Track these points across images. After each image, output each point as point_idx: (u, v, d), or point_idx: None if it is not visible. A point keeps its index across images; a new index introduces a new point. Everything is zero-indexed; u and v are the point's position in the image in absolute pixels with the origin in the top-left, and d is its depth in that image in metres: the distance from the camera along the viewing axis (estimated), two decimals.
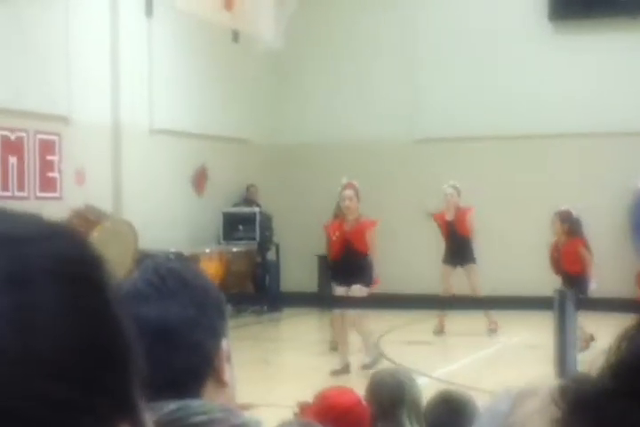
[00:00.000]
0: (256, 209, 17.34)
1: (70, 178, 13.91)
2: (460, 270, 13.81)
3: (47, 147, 13.76)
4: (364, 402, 4.25)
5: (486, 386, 8.46)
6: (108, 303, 0.73)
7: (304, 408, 4.42)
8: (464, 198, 14.79)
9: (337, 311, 11.37)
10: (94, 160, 14.29)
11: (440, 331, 13.74)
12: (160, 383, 1.49)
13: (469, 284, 13.54)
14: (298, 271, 17.83)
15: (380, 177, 17.97)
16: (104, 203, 13.83)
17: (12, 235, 0.71)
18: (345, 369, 10.85)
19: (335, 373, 10.68)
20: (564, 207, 12.35)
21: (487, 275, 14.33)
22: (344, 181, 11.60)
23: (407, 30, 18.32)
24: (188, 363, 1.71)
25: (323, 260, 18.15)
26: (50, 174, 13.74)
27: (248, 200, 17.83)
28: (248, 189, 17.90)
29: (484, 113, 17.75)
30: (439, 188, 14.39)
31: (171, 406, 1.62)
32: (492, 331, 13.67)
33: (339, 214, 11.92)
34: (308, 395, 4.47)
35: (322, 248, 18.08)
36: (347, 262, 11.14)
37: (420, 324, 13.21)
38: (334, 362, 11.66)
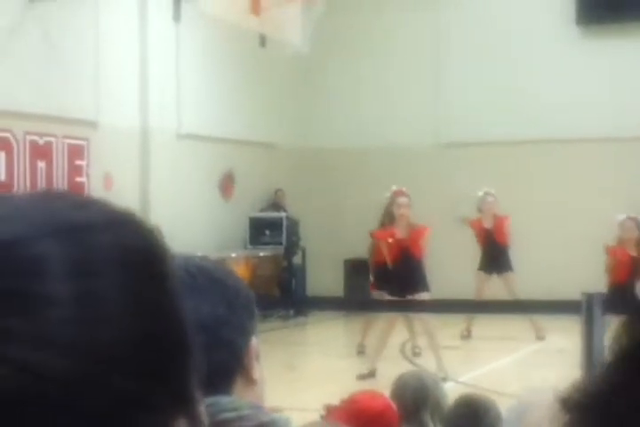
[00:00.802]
0: (283, 214, 17.36)
1: (98, 183, 13.97)
2: (495, 278, 13.70)
3: (75, 151, 13.83)
4: (394, 407, 4.25)
5: (512, 391, 8.43)
6: (169, 295, 0.72)
7: (331, 411, 4.42)
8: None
9: (389, 315, 11.35)
10: (122, 165, 14.35)
11: (467, 336, 13.68)
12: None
13: (508, 292, 13.38)
14: (324, 276, 17.83)
15: (406, 182, 17.86)
16: (131, 207, 13.86)
17: (76, 221, 0.70)
18: (372, 373, 10.84)
19: (361, 377, 10.68)
20: (631, 214, 12.15)
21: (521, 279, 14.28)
22: (393, 188, 11.70)
23: (432, 34, 18.31)
24: (218, 361, 1.70)
25: (349, 264, 18.17)
26: (78, 179, 13.81)
27: (275, 205, 17.86)
28: (275, 193, 17.93)
29: (510, 117, 17.71)
30: (466, 193, 14.37)
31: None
32: (541, 338, 13.51)
33: (386, 221, 11.97)
34: (334, 399, 4.48)
35: (348, 253, 18.11)
36: (403, 268, 11.21)
37: (447, 329, 13.16)
38: (360, 366, 11.66)
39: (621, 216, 12.07)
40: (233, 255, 15.80)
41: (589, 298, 7.33)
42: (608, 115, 17.20)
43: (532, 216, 16.90)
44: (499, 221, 13.61)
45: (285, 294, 16.92)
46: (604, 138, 17.12)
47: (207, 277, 1.75)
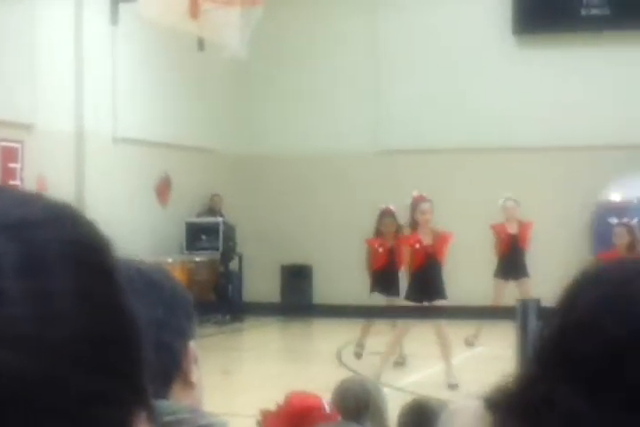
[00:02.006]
0: (219, 219, 17.30)
1: (32, 186, 13.80)
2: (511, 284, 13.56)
3: (9, 154, 13.66)
4: (327, 407, 4.26)
5: (449, 397, 8.47)
6: (118, 288, 0.72)
7: (267, 416, 4.41)
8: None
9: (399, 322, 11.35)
10: (57, 168, 14.20)
11: (471, 343, 13.62)
12: None
13: (523, 297, 13.36)
14: (261, 281, 17.80)
15: (343, 188, 18.02)
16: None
17: (20, 218, 0.69)
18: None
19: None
20: (625, 219, 12.23)
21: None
22: (414, 193, 11.61)
23: (371, 41, 18.39)
24: (155, 364, 1.68)
25: (286, 270, 18.17)
26: (11, 182, 13.63)
27: (212, 210, 17.79)
28: (212, 198, 17.86)
29: (447, 125, 17.84)
30: (404, 199, 14.39)
31: None
32: (470, 343, 13.60)
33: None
34: (270, 404, 4.47)
35: (285, 258, 18.11)
36: (428, 274, 11.23)
37: (383, 335, 13.15)
38: (296, 372, 11.65)
39: (615, 223, 12.20)
40: (169, 260, 15.70)
41: (524, 305, 7.39)
42: (544, 123, 17.39)
43: (468, 223, 17.01)
44: (524, 227, 13.58)
45: (222, 300, 16.86)
46: (540, 147, 17.31)
47: (144, 280, 1.73)
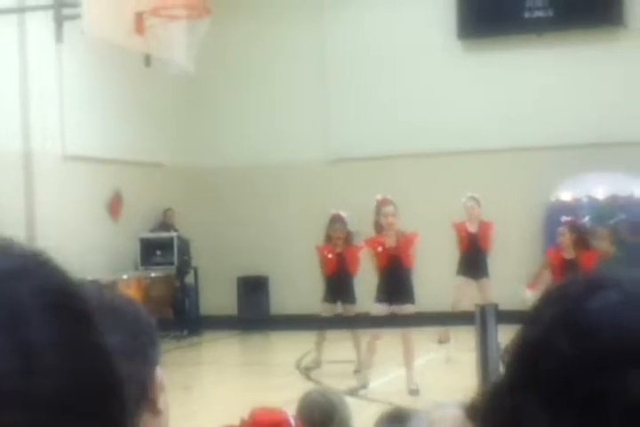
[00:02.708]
0: (173, 234, 17.24)
1: None
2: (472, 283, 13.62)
3: None
4: (292, 421, 4.25)
5: (409, 403, 8.49)
6: (97, 332, 0.72)
7: None
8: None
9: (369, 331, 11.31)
10: (5, 189, 14.08)
11: (445, 341, 13.65)
12: None
13: (482, 298, 13.41)
14: (217, 295, 17.77)
15: (295, 198, 18.03)
16: (17, 231, 13.61)
17: None
18: (364, 386, 10.82)
19: (352, 391, 10.54)
20: (570, 217, 12.28)
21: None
22: (378, 197, 11.57)
23: (318, 50, 18.45)
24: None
25: (242, 282, 18.14)
26: None
27: (165, 224, 17.73)
28: (165, 213, 17.79)
29: (396, 132, 17.92)
30: (356, 207, 14.43)
31: None
32: (443, 342, 13.64)
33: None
34: (233, 419, 4.45)
35: (240, 270, 18.08)
36: (393, 278, 11.16)
37: (338, 342, 13.17)
38: (257, 385, 11.62)
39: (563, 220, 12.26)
40: (124, 277, 15.62)
41: (483, 309, 7.44)
42: (491, 126, 17.54)
43: (426, 229, 17.07)
44: (484, 226, 13.65)
45: (179, 314, 16.79)
46: (488, 149, 17.44)
47: (107, 307, 1.69)
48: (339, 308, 12.39)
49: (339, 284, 12.35)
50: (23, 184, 14.60)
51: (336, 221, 12.48)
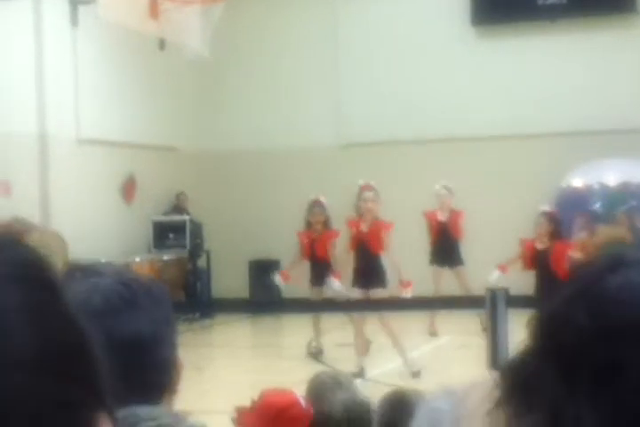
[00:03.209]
0: (186, 217, 17.31)
1: None
2: (448, 272, 13.72)
3: None
4: (302, 402, 4.30)
5: (421, 386, 8.56)
6: (64, 301, 0.76)
7: (241, 413, 4.45)
8: (393, 202, 14.94)
9: (356, 315, 11.31)
10: (21, 171, 14.16)
11: (434, 333, 13.73)
12: (127, 397, 1.51)
13: (460, 286, 13.47)
14: (229, 278, 17.84)
15: (308, 183, 18.06)
16: (32, 214, 13.67)
17: None
18: (361, 373, 10.76)
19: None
20: (547, 207, 12.30)
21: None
22: (360, 182, 11.53)
23: (330, 37, 18.45)
24: (155, 378, 1.75)
25: (254, 265, 18.21)
26: None
27: (178, 208, 17.80)
28: (178, 196, 17.86)
29: (409, 117, 17.93)
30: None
31: (119, 413, 1.66)
32: (433, 333, 13.74)
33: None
34: (243, 400, 4.51)
35: (253, 254, 18.16)
36: (361, 262, 11.20)
37: (350, 325, 13.25)
38: (267, 367, 11.71)
39: (540, 209, 12.27)
40: (137, 260, 15.71)
41: (493, 294, 7.50)
42: (504, 113, 17.54)
43: None
44: (454, 215, 13.64)
45: (191, 297, 16.89)
46: (502, 135, 17.44)
47: (146, 292, 1.76)
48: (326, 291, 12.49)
49: (315, 268, 12.47)
50: (38, 167, 14.68)
51: (315, 206, 12.55)
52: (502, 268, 12.10)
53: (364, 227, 11.21)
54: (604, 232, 12.07)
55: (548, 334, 1.17)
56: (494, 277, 11.84)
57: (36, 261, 0.76)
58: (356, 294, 11.14)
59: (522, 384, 1.17)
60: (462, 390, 1.47)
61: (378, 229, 11.16)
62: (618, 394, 1.10)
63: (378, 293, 11.01)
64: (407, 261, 14.41)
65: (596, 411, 1.10)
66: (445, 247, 13.62)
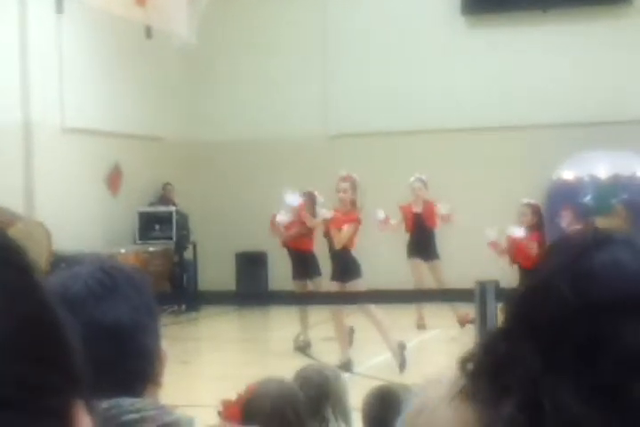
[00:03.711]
0: (172, 208, 17.18)
1: None
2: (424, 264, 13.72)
3: None
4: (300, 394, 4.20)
5: (409, 380, 8.44)
6: (38, 286, 0.74)
7: (227, 407, 4.35)
8: (381, 193, 14.83)
9: (336, 307, 11.24)
10: (5, 161, 14.02)
11: (423, 325, 13.69)
12: (109, 386, 1.54)
13: (435, 280, 13.46)
14: (216, 270, 17.72)
15: (295, 174, 17.93)
16: (15, 204, 13.55)
17: None
18: (347, 365, 10.62)
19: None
20: (532, 200, 12.28)
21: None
22: (342, 173, 11.39)
23: (319, 24, 18.34)
24: (137, 367, 1.72)
25: (240, 257, 18.10)
26: None
27: (164, 199, 17.66)
28: (164, 187, 17.73)
29: (398, 108, 17.84)
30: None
31: (103, 404, 1.62)
32: (421, 326, 13.69)
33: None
34: (229, 393, 4.40)
35: (239, 246, 18.04)
36: (331, 255, 11.15)
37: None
38: (254, 361, 11.59)
39: (524, 200, 12.25)
40: (122, 251, 15.57)
41: (482, 286, 7.37)
42: (495, 103, 17.46)
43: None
44: (428, 206, 13.63)
45: (177, 289, 16.77)
46: (493, 126, 17.37)
47: (127, 280, 1.74)
48: (311, 284, 12.40)
49: (299, 261, 12.43)
50: (22, 156, 14.53)
51: (302, 196, 12.49)
52: (492, 245, 12.13)
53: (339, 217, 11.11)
54: (602, 224, 12.05)
55: (530, 308, 1.17)
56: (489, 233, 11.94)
57: (8, 244, 0.75)
58: (334, 287, 11.02)
59: (492, 368, 1.16)
60: (422, 387, 1.44)
61: (338, 222, 11.02)
62: (598, 368, 1.10)
63: (349, 286, 10.86)
64: (395, 252, 14.37)
65: (575, 386, 1.09)
66: (421, 239, 13.68)
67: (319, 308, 12.64)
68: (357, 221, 11.07)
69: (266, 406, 3.92)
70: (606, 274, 1.15)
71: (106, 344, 1.62)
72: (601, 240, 1.21)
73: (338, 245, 10.97)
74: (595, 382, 1.10)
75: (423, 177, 13.91)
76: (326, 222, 11.18)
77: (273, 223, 12.76)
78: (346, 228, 10.95)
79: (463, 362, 1.23)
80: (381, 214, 12.87)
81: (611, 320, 1.11)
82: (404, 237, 13.95)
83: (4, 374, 0.69)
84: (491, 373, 1.16)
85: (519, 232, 11.59)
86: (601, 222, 12.29)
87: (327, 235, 11.18)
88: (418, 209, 13.69)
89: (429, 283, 13.29)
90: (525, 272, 11.00)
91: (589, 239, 1.22)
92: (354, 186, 11.15)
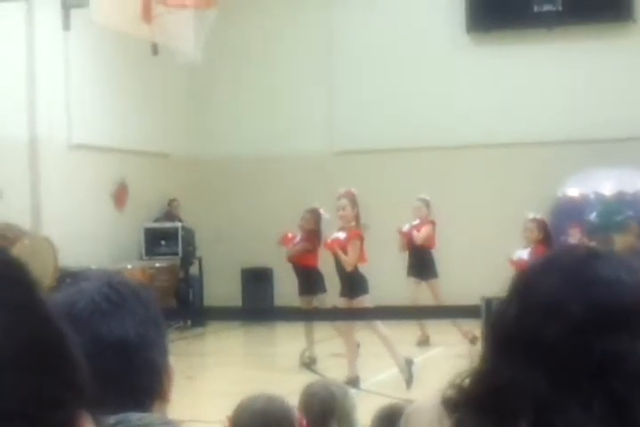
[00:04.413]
0: (178, 224, 17.21)
1: None
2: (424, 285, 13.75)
3: None
4: (294, 410, 4.21)
5: (414, 396, 8.44)
6: (41, 300, 0.75)
7: (233, 422, 4.35)
8: (385, 209, 14.86)
9: (343, 324, 11.21)
10: (11, 177, 14.05)
11: (426, 341, 13.70)
12: (116, 401, 1.54)
13: (434, 299, 13.48)
14: (221, 286, 17.72)
15: (300, 190, 17.97)
16: (22, 220, 13.58)
17: None
18: (354, 381, 10.61)
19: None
20: (537, 215, 12.27)
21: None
22: (341, 190, 11.34)
23: (324, 43, 18.38)
24: (144, 381, 1.71)
25: (246, 273, 18.11)
26: None
27: (169, 215, 17.69)
28: (170, 203, 17.76)
29: (403, 125, 17.86)
30: (361, 200, 14.32)
31: (110, 420, 1.61)
32: (424, 342, 13.69)
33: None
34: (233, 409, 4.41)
35: (245, 262, 18.05)
36: (338, 271, 11.12)
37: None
38: (260, 377, 11.58)
39: (529, 216, 12.25)
40: (129, 267, 15.58)
41: (488, 302, 7.38)
42: (500, 121, 17.48)
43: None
44: (419, 227, 13.65)
45: (183, 305, 16.76)
46: (497, 144, 17.37)
47: (134, 296, 1.73)
48: (316, 300, 12.39)
49: (304, 277, 12.44)
50: (29, 172, 14.57)
51: (306, 212, 12.50)
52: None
53: (341, 235, 11.09)
54: (619, 241, 12.09)
55: (529, 329, 1.13)
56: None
57: (12, 262, 0.76)
58: (342, 303, 11.02)
59: (494, 395, 1.12)
60: (405, 417, 1.45)
61: (333, 244, 11.01)
62: (610, 385, 1.07)
63: (355, 303, 10.84)
64: (398, 269, 14.36)
65: (587, 405, 1.07)
66: (418, 260, 13.74)
67: (325, 324, 12.66)
68: (357, 237, 11.02)
69: (247, 422, 3.92)
70: (612, 289, 1.13)
71: (113, 360, 1.62)
72: (596, 256, 1.19)
73: (348, 268, 10.93)
74: (607, 399, 1.07)
75: (427, 197, 13.92)
76: (329, 245, 11.17)
77: (283, 240, 12.78)
78: (350, 249, 10.93)
79: (449, 398, 1.20)
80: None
81: (622, 336, 1.09)
82: (405, 256, 14.00)
83: (9, 388, 0.69)
84: (492, 401, 1.13)
85: (524, 255, 11.60)
86: (620, 240, 12.31)
87: (335, 254, 11.15)
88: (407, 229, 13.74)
89: (428, 302, 13.31)
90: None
91: (584, 256, 1.20)
92: (353, 201, 11.06)
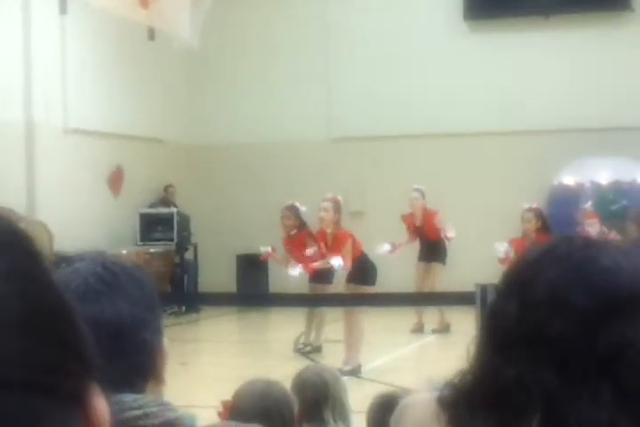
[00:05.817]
0: (173, 210, 17.20)
1: None
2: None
3: None
4: (292, 395, 4.21)
5: (409, 383, 8.45)
6: (47, 270, 0.76)
7: (227, 408, 4.35)
8: (382, 196, 14.85)
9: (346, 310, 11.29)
10: (6, 160, 14.03)
11: (419, 329, 13.72)
12: (109, 382, 1.48)
13: (429, 280, 13.54)
14: (216, 271, 17.73)
15: (297, 177, 17.97)
16: (17, 204, 13.54)
17: None
18: (357, 370, 10.66)
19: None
20: (533, 205, 12.33)
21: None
22: (328, 195, 11.54)
23: (321, 28, 18.35)
24: (138, 362, 1.72)
25: (241, 259, 18.10)
26: None
27: (165, 201, 17.68)
28: (166, 189, 17.74)
29: (400, 112, 17.84)
30: (358, 187, 14.38)
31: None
32: (418, 330, 13.70)
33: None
34: (227, 395, 4.41)
35: (240, 248, 18.04)
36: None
37: (338, 322, 13.15)
38: (254, 362, 11.60)
39: (525, 206, 12.30)
40: (124, 252, 15.55)
41: (483, 289, 7.37)
42: (496, 108, 17.47)
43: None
44: (427, 217, 13.70)
45: (177, 291, 16.77)
46: (493, 131, 17.36)
47: (127, 276, 1.74)
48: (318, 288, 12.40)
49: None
50: (24, 156, 14.55)
51: (284, 209, 12.50)
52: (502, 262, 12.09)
53: (328, 240, 11.30)
54: (632, 230, 12.16)
55: (533, 325, 1.12)
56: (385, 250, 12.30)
57: (18, 231, 0.76)
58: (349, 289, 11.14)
59: (498, 393, 1.11)
60: (398, 409, 1.43)
61: (338, 244, 11.13)
62: (620, 375, 1.07)
63: (360, 289, 10.96)
64: (394, 256, 14.37)
65: (598, 396, 1.06)
66: (428, 247, 13.83)
67: (325, 310, 12.66)
68: (347, 238, 11.18)
69: (248, 407, 3.91)
70: (614, 277, 1.13)
71: (106, 339, 1.60)
72: (593, 245, 1.19)
73: (348, 268, 11.11)
74: (618, 389, 1.07)
75: (421, 187, 13.97)
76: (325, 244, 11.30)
77: (267, 257, 12.92)
78: (345, 248, 11.09)
79: (447, 397, 1.19)
80: (387, 247, 13.09)
81: (626, 323, 1.09)
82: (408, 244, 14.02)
83: (19, 355, 0.69)
84: (497, 401, 1.12)
85: (509, 250, 11.70)
86: (633, 229, 12.33)
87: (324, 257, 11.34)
88: (418, 223, 13.80)
89: (442, 287, 13.31)
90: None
91: (582, 246, 1.18)
92: (336, 207, 11.28)
